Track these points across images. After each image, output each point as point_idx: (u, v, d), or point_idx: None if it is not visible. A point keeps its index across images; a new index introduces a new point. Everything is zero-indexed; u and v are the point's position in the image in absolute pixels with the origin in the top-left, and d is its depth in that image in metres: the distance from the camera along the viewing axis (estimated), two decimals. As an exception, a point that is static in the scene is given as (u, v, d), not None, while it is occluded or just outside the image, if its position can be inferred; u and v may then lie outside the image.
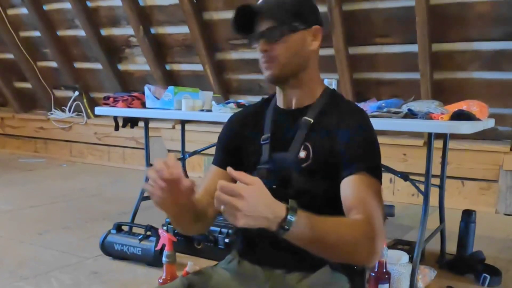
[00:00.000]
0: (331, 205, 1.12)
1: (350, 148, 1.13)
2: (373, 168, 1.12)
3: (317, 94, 1.23)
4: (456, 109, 2.15)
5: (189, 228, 1.23)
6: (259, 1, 1.19)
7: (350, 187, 1.09)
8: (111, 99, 2.88)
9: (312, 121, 1.19)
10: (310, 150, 1.17)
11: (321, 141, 1.16)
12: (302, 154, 1.17)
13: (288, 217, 0.92)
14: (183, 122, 3.27)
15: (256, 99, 2.60)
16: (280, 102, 1.26)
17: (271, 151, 1.21)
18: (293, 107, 1.23)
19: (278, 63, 1.16)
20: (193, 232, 1.32)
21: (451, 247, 2.45)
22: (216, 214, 1.23)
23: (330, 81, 2.23)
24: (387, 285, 1.91)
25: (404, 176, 2.33)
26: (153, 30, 4.41)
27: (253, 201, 0.89)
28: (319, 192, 1.15)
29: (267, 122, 1.25)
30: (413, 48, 3.40)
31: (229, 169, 0.94)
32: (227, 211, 0.89)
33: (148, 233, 2.37)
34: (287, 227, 0.92)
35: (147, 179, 1.04)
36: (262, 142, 1.23)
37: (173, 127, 4.60)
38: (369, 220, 1.03)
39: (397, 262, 2.04)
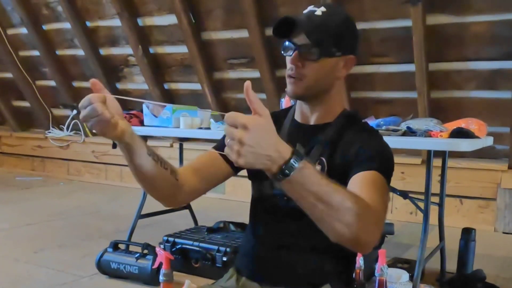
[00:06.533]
0: None
1: (363, 152, 1.12)
2: (384, 169, 1.11)
3: (336, 114, 1.22)
4: (455, 127, 2.16)
5: (147, 183, 1.10)
6: (306, 11, 1.15)
7: (358, 181, 1.06)
8: (109, 117, 2.88)
9: (329, 138, 1.18)
10: (325, 165, 1.16)
11: (336, 158, 1.16)
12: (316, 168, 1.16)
13: (292, 161, 0.84)
14: (181, 140, 3.27)
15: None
16: (298, 116, 1.26)
17: None
18: (311, 123, 1.23)
19: (304, 82, 1.15)
20: (160, 195, 1.16)
21: (451, 266, 2.43)
22: (194, 192, 1.20)
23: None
24: (387, 303, 1.89)
25: (404, 194, 2.32)
26: (151, 50, 4.44)
27: (258, 134, 0.80)
28: None
29: (283, 133, 1.24)
30: (410, 67, 3.43)
31: (247, 83, 0.83)
32: (230, 144, 0.81)
33: (145, 251, 2.34)
34: (287, 171, 0.83)
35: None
36: None
37: (171, 146, 4.59)
38: (371, 205, 0.96)
39: (397, 280, 2.01)
